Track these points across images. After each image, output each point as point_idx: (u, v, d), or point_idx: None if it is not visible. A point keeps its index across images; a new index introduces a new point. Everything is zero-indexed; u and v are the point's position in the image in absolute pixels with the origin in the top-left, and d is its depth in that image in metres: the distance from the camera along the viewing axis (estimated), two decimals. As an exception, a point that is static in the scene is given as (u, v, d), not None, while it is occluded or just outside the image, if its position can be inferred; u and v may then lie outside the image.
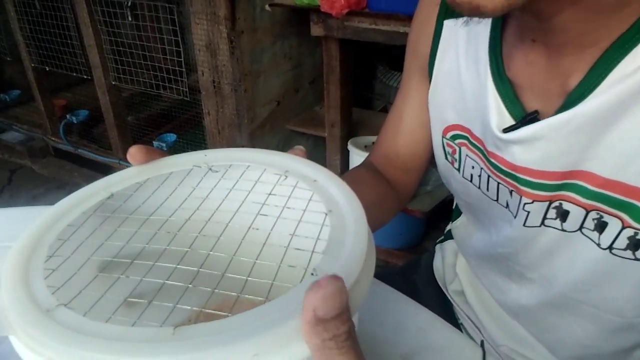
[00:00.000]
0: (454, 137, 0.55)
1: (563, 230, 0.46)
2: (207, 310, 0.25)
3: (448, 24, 0.53)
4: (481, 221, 0.58)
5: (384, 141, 0.67)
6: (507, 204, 0.50)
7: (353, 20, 1.33)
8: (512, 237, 0.51)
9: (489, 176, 0.51)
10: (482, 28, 0.49)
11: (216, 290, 0.27)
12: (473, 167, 0.53)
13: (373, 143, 1.55)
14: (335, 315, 0.22)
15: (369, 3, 1.31)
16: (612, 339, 0.49)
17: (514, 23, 0.46)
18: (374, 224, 0.61)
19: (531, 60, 0.44)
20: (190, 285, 0.27)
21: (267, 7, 1.52)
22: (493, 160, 0.48)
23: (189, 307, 0.26)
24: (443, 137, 0.57)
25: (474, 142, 0.52)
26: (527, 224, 0.48)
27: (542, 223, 0.47)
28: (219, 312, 0.24)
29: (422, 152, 0.64)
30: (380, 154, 0.68)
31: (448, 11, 0.53)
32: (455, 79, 0.53)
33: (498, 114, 0.46)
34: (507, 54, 0.47)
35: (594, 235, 0.43)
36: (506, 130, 0.45)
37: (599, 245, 0.43)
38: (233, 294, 0.26)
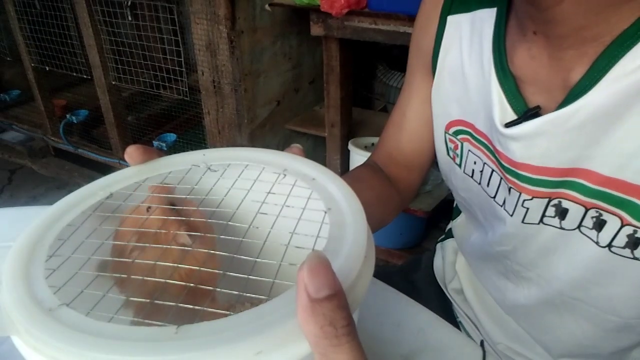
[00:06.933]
0: (456, 133, 0.55)
1: (561, 228, 0.46)
2: (209, 309, 0.25)
3: (452, 20, 0.54)
4: (478, 219, 0.58)
5: (387, 139, 0.67)
6: (504, 202, 0.50)
7: (353, 20, 1.33)
8: (510, 234, 0.51)
9: (492, 170, 0.51)
10: (487, 22, 0.49)
11: (218, 289, 0.27)
12: (475, 163, 0.53)
13: (373, 144, 1.55)
14: (329, 295, 0.21)
15: (369, 3, 1.31)
16: (610, 338, 0.49)
17: (515, 15, 0.46)
18: (376, 223, 0.61)
19: (534, 55, 0.44)
20: (192, 284, 0.28)
21: (267, 7, 1.52)
22: (497, 156, 0.48)
23: (191, 306, 0.26)
24: (445, 132, 0.57)
25: (477, 137, 0.52)
26: (525, 221, 0.48)
27: (541, 221, 0.47)
28: (221, 311, 0.24)
29: (425, 149, 0.64)
30: (384, 152, 0.68)
31: (452, 7, 0.54)
32: (459, 74, 0.53)
33: (501, 109, 0.46)
34: (510, 48, 0.47)
35: (593, 233, 0.43)
36: (508, 125, 0.45)
37: (597, 243, 0.43)
38: (235, 292, 0.27)
